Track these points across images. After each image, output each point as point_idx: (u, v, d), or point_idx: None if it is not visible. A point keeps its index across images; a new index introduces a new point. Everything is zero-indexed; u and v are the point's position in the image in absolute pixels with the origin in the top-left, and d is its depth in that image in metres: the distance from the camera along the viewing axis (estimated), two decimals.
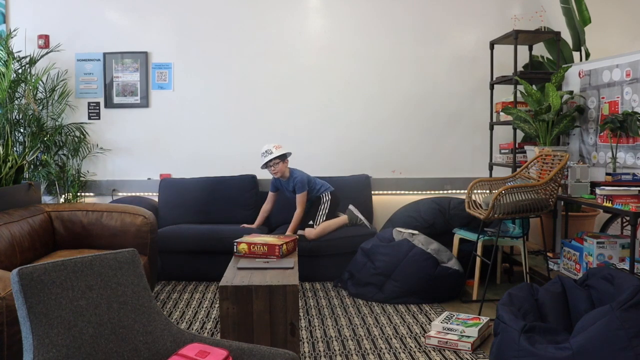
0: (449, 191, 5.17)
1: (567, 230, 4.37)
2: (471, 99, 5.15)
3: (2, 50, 4.53)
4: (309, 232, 4.31)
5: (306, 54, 5.09)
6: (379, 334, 3.29)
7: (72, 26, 5.00)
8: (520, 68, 4.78)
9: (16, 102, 4.62)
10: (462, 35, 5.14)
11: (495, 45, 4.78)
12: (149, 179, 5.11)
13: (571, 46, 4.57)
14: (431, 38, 5.13)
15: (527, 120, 4.15)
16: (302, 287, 4.30)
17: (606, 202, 3.15)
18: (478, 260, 3.92)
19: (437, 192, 5.16)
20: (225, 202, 4.84)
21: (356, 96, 5.13)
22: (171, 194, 4.85)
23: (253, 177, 4.92)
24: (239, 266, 2.90)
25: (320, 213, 4.43)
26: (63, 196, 4.92)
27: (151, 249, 3.64)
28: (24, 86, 4.66)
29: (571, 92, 4.12)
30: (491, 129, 4.82)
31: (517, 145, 4.43)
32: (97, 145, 5.06)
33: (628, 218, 3.12)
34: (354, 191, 4.88)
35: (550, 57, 4.94)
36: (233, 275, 2.73)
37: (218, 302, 3.83)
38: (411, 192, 5.16)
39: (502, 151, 4.68)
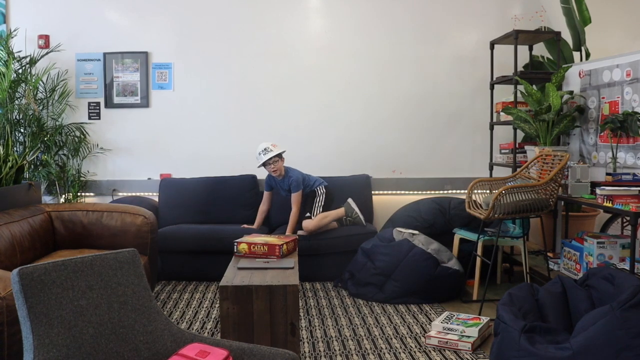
0: (449, 191, 5.17)
1: (567, 230, 4.37)
2: (471, 99, 5.15)
3: (2, 50, 4.53)
4: (307, 224, 4.30)
5: (306, 54, 5.09)
6: (379, 334, 3.29)
7: (72, 26, 5.00)
8: (520, 68, 4.78)
9: (16, 102, 4.62)
10: (462, 35, 5.14)
11: (496, 45, 4.78)
12: (149, 179, 5.11)
13: (571, 46, 4.57)
14: (431, 38, 5.13)
15: (527, 120, 4.14)
16: (303, 287, 4.30)
17: (606, 202, 3.15)
18: (478, 260, 3.92)
19: (437, 192, 5.16)
20: (226, 202, 4.84)
21: (356, 96, 5.13)
22: (171, 194, 4.85)
23: (253, 177, 4.92)
24: (239, 266, 2.90)
25: (317, 205, 4.42)
26: (63, 196, 4.93)
27: (151, 249, 3.64)
28: (24, 86, 4.66)
29: (571, 92, 4.12)
30: (491, 129, 4.82)
31: (517, 145, 4.43)
32: (98, 145, 5.06)
33: (628, 218, 3.12)
34: (354, 191, 4.88)
35: (551, 57, 4.94)
36: (233, 275, 2.73)
37: (218, 302, 3.83)
38: (411, 192, 5.16)
39: (503, 151, 4.68)
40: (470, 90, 5.15)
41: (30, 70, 4.77)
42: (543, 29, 4.89)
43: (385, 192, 5.17)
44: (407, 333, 3.30)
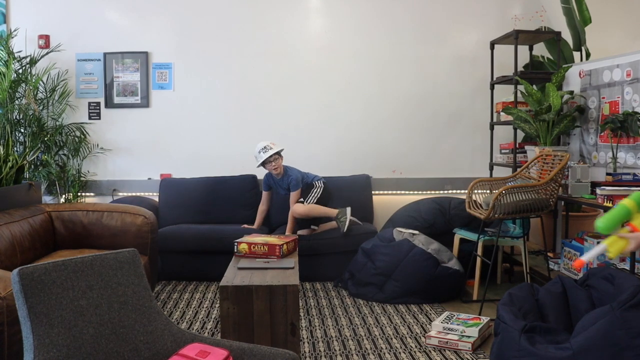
0: (449, 191, 5.17)
1: (567, 230, 4.37)
2: (471, 99, 5.15)
3: (2, 50, 4.53)
4: (297, 207, 4.29)
5: (306, 54, 5.09)
6: (380, 334, 3.29)
7: (72, 26, 5.00)
8: (520, 68, 4.78)
9: (17, 102, 4.62)
10: (462, 35, 5.14)
11: (496, 45, 4.78)
12: (149, 179, 5.11)
13: (572, 46, 4.57)
14: (431, 38, 5.13)
15: (527, 120, 4.14)
16: (303, 287, 4.30)
17: (607, 202, 3.15)
18: (478, 260, 3.92)
19: (437, 192, 5.16)
20: (226, 202, 4.84)
21: (356, 96, 5.13)
22: (171, 194, 4.85)
23: (253, 177, 4.92)
24: (239, 266, 2.90)
25: (312, 195, 4.40)
26: (63, 196, 4.93)
27: (151, 249, 3.64)
28: (24, 86, 4.66)
29: (572, 92, 4.12)
30: (491, 129, 4.82)
31: (517, 145, 4.43)
32: (98, 145, 5.06)
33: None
34: (354, 191, 4.88)
35: (551, 57, 4.94)
36: (233, 275, 2.73)
37: (218, 302, 3.83)
38: (411, 192, 5.16)
39: (503, 151, 4.68)
40: (471, 90, 5.15)
41: (31, 70, 4.77)
42: (543, 29, 4.88)
43: (385, 192, 5.17)
44: (408, 333, 3.30)
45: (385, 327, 3.41)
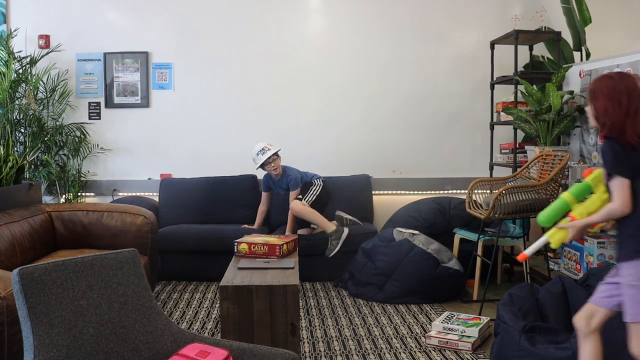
0: (449, 191, 5.17)
1: None
2: (471, 99, 5.15)
3: (2, 50, 4.53)
4: (295, 204, 4.24)
5: (306, 54, 5.09)
6: (380, 334, 3.29)
7: (72, 26, 5.00)
8: (520, 68, 4.78)
9: (17, 102, 4.62)
10: (462, 35, 5.14)
11: (496, 45, 4.78)
12: (149, 179, 5.11)
13: (572, 46, 4.57)
14: (431, 38, 5.13)
15: (527, 120, 4.14)
16: (303, 287, 4.30)
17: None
18: (478, 260, 3.92)
19: (437, 192, 5.16)
20: (226, 202, 4.84)
21: (356, 96, 5.13)
22: (171, 194, 4.85)
23: (253, 177, 4.92)
24: (239, 266, 2.90)
25: (311, 192, 4.37)
26: (63, 196, 4.93)
27: (152, 249, 3.64)
28: (24, 86, 4.66)
29: (572, 92, 4.12)
30: (491, 129, 4.82)
31: (517, 145, 4.43)
32: (98, 145, 5.06)
33: None
34: (354, 191, 4.88)
35: (551, 57, 4.94)
36: (233, 275, 2.73)
37: (218, 302, 3.83)
38: (411, 192, 5.16)
39: (503, 151, 4.68)
40: (471, 90, 5.14)
41: (31, 70, 4.77)
42: (543, 29, 4.88)
43: (386, 192, 5.17)
44: (408, 333, 3.30)
45: (385, 327, 3.41)
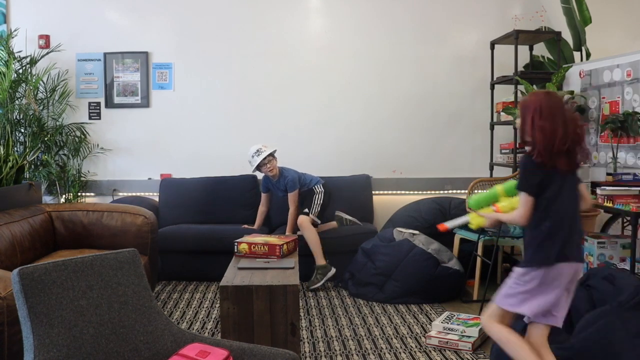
0: (450, 191, 5.17)
1: None
2: (471, 99, 5.15)
3: (2, 50, 4.53)
4: (302, 220, 4.24)
5: (306, 54, 5.09)
6: (380, 334, 3.29)
7: (72, 26, 5.00)
8: (520, 68, 4.78)
9: (17, 102, 4.62)
10: (462, 35, 5.14)
11: (496, 45, 4.78)
12: (149, 179, 5.11)
13: (572, 46, 4.57)
14: (431, 38, 5.13)
15: None
16: (303, 287, 4.30)
17: (607, 202, 3.15)
18: (479, 260, 3.92)
19: (437, 192, 5.16)
20: (226, 202, 4.84)
21: (356, 96, 5.13)
22: (171, 194, 4.85)
23: (253, 177, 4.91)
24: (239, 266, 2.90)
25: (315, 203, 4.37)
26: (64, 196, 4.92)
27: (152, 249, 3.63)
28: (24, 86, 4.66)
29: (572, 92, 4.12)
30: (492, 129, 4.82)
31: (517, 145, 4.43)
32: (98, 145, 5.06)
33: (629, 218, 3.12)
34: (354, 191, 4.88)
35: (551, 57, 4.94)
36: (233, 275, 2.73)
37: (219, 302, 3.83)
38: (411, 192, 5.16)
39: (503, 151, 4.67)
40: (471, 90, 5.14)
41: (31, 70, 4.77)
42: (543, 29, 4.88)
43: (386, 192, 5.17)
44: (408, 333, 3.30)
45: (386, 327, 3.40)
